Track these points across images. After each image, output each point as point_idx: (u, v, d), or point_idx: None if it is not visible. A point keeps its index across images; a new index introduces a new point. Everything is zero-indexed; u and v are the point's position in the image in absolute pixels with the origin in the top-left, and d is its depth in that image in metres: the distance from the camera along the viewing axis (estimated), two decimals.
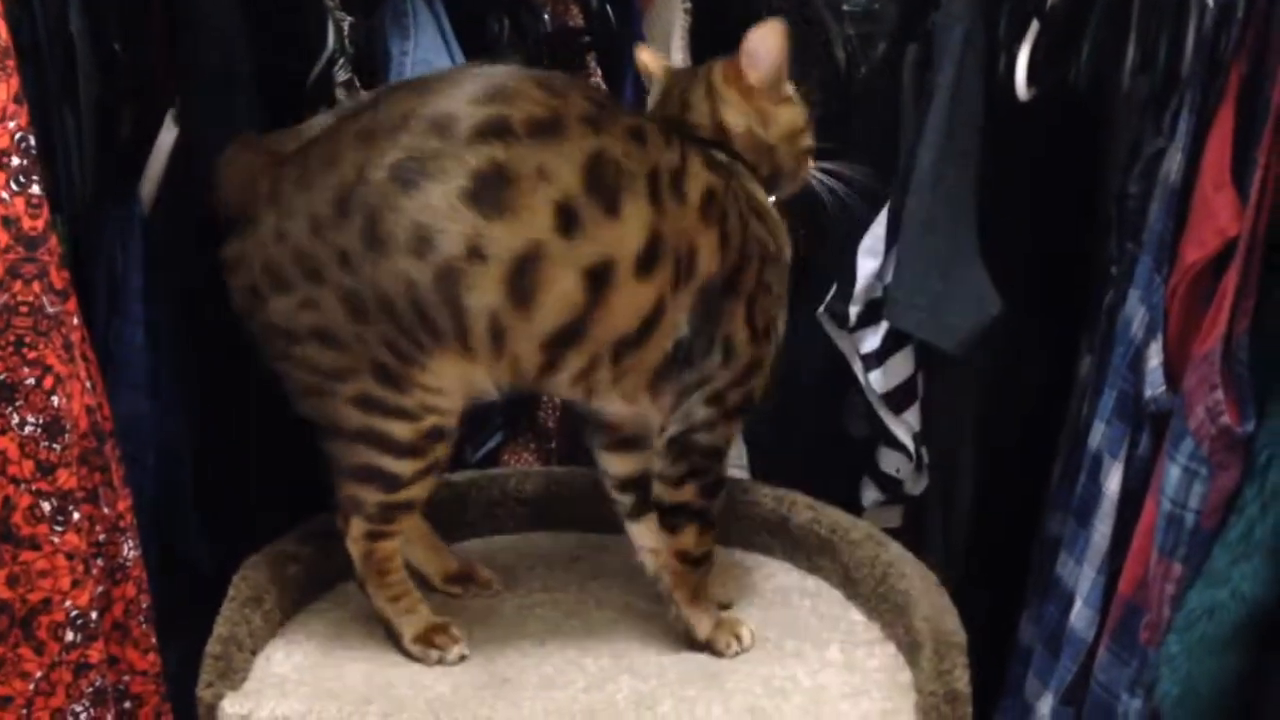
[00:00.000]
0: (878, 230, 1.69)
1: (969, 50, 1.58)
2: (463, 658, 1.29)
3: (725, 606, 1.39)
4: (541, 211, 1.16)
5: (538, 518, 1.57)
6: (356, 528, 1.29)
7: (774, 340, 1.32)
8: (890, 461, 1.76)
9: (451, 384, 1.23)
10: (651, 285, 1.21)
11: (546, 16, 1.64)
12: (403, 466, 1.25)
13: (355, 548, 1.30)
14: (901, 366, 1.73)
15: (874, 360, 1.74)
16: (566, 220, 1.17)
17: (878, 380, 1.72)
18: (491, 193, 1.15)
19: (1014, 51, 1.59)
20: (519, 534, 1.55)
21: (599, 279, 1.19)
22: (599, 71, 1.70)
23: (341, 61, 1.49)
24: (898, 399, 1.74)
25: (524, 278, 1.17)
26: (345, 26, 1.50)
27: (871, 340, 1.74)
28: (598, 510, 1.54)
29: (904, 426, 1.73)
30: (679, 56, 1.71)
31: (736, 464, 1.84)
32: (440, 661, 1.29)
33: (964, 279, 1.51)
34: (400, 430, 1.23)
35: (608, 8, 1.68)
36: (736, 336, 1.27)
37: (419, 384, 1.21)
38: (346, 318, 1.19)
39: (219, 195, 1.26)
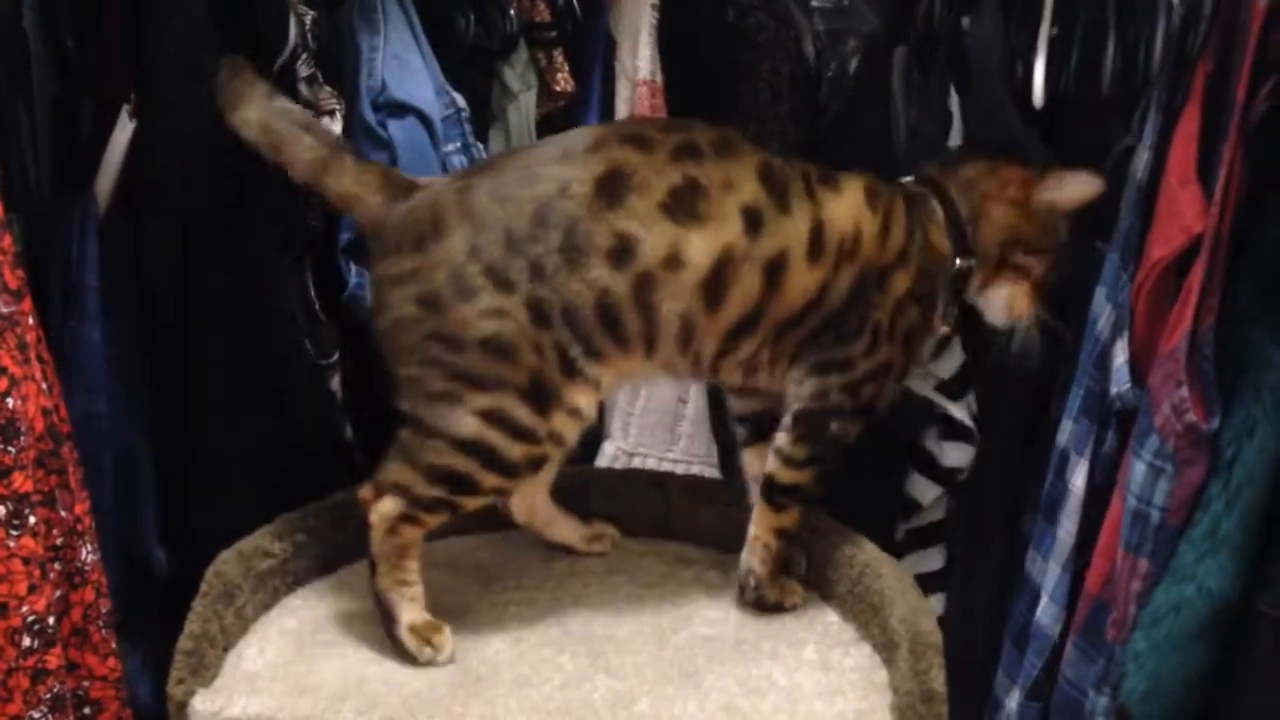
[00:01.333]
0: None
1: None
2: (451, 660, 1.28)
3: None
4: (732, 217, 1.26)
5: None
6: (391, 506, 1.27)
7: (908, 354, 1.38)
8: (952, 455, 1.71)
9: (587, 407, 1.26)
10: (820, 269, 1.30)
11: (513, 12, 1.63)
12: (491, 480, 1.27)
13: (381, 523, 1.27)
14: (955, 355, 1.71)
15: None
16: (752, 222, 1.26)
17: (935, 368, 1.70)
18: (688, 204, 1.24)
19: (1029, 59, 1.59)
20: (497, 531, 1.53)
21: (776, 268, 1.28)
22: (565, 67, 1.69)
23: (304, 56, 1.47)
24: (953, 387, 1.71)
25: (718, 280, 1.26)
26: (307, 21, 1.48)
27: None
28: (576, 508, 1.53)
29: (965, 410, 1.70)
30: (646, 53, 1.71)
31: (707, 461, 1.84)
32: (431, 662, 1.27)
33: None
34: (515, 452, 1.25)
35: (574, 3, 1.69)
36: (883, 325, 1.34)
37: (566, 405, 1.25)
38: (530, 325, 1.22)
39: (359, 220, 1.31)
